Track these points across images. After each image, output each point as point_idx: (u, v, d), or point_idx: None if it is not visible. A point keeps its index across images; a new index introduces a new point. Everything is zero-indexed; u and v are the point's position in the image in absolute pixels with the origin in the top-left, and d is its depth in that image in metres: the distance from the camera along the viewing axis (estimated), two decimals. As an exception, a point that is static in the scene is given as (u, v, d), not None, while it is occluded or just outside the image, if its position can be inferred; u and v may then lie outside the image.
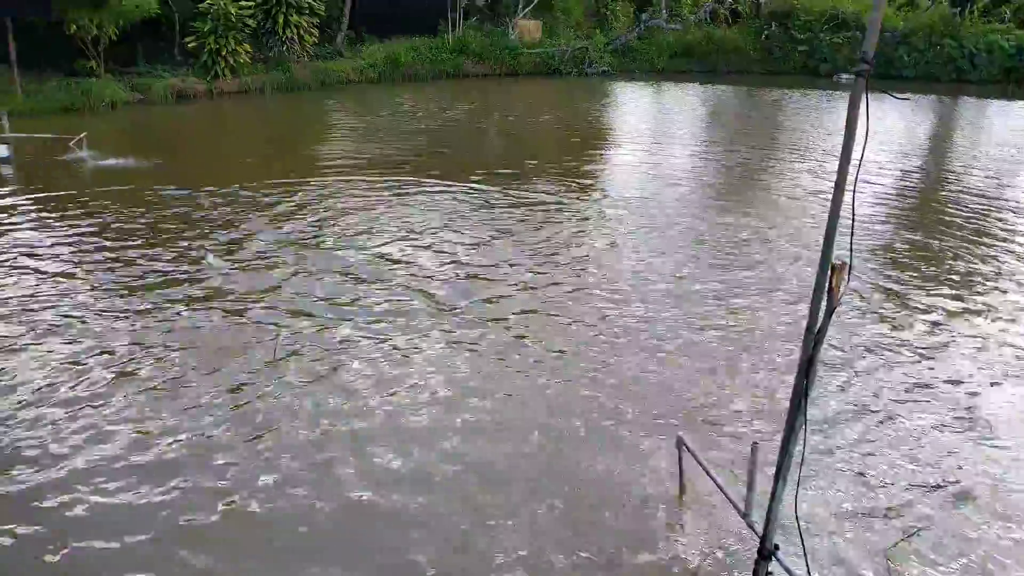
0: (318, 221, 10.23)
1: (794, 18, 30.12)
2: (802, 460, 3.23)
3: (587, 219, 10.79)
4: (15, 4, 16.78)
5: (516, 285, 8.21)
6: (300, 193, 11.57)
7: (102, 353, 6.48)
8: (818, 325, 2.94)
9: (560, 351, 6.75)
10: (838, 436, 5.54)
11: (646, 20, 30.39)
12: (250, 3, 20.56)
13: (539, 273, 8.57)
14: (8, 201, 10.88)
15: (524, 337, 7.00)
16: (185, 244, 9.15)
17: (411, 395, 5.99)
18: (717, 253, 9.42)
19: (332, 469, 5.05)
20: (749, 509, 3.80)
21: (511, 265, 8.78)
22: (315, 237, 9.61)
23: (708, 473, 4.19)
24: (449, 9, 26.78)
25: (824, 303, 2.91)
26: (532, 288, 8.13)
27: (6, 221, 9.96)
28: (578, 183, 12.91)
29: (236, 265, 8.60)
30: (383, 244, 9.40)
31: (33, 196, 11.24)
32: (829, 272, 2.85)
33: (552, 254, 9.19)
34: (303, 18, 22.05)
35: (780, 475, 3.27)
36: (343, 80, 23.70)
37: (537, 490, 4.90)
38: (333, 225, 10.08)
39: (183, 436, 5.36)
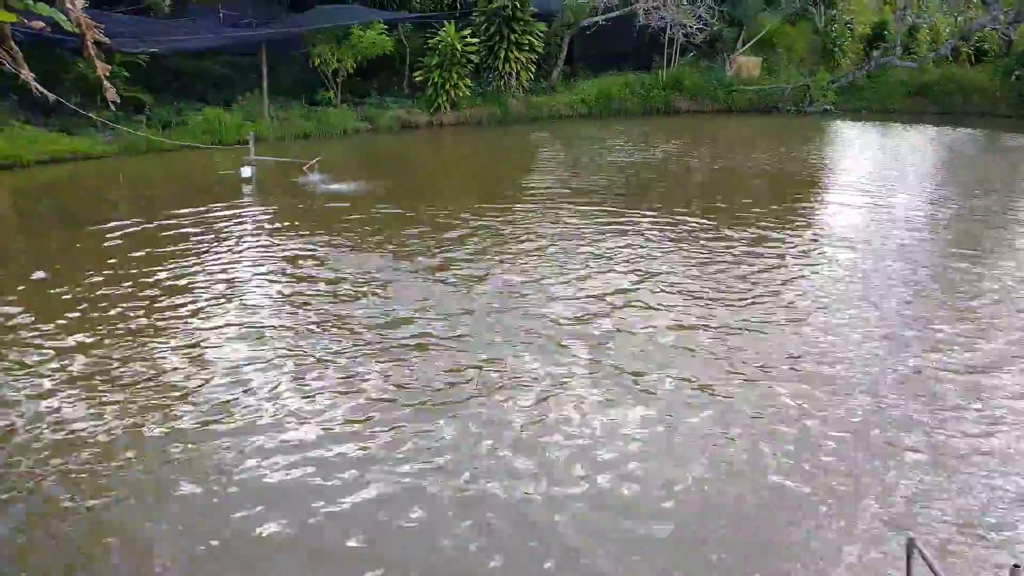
0: (518, 247, 10.34)
1: (1051, 58, 26.93)
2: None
3: (806, 262, 10.17)
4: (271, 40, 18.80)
5: (722, 332, 7.77)
6: (507, 218, 11.83)
7: (326, 366, 6.87)
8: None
9: (769, 420, 6.26)
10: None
11: (877, 58, 28.37)
12: (475, 40, 21.56)
13: (747, 323, 8.06)
14: (247, 215, 11.99)
15: (726, 400, 6.59)
16: (393, 258, 9.60)
17: (609, 454, 5.79)
18: (955, 307, 8.49)
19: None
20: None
21: (711, 309, 8.34)
22: (514, 263, 9.69)
23: (946, 588, 3.60)
24: (665, 45, 26.54)
25: None
26: (741, 340, 7.66)
27: (244, 235, 10.94)
28: (796, 223, 12.22)
29: (436, 281, 8.89)
30: (580, 273, 9.32)
31: (267, 213, 12.31)
32: None
33: (762, 300, 8.65)
34: (523, 54, 22.79)
35: (1048, 612, 2.71)
36: (556, 115, 24.13)
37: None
38: (532, 251, 10.13)
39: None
